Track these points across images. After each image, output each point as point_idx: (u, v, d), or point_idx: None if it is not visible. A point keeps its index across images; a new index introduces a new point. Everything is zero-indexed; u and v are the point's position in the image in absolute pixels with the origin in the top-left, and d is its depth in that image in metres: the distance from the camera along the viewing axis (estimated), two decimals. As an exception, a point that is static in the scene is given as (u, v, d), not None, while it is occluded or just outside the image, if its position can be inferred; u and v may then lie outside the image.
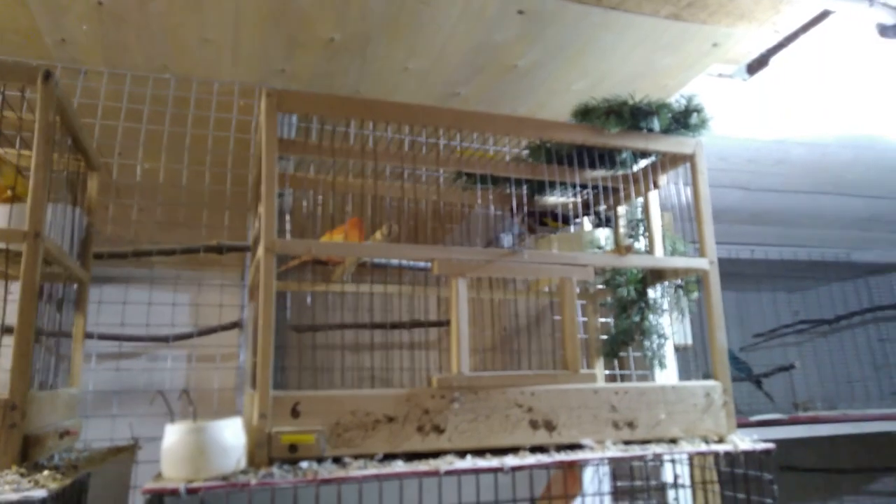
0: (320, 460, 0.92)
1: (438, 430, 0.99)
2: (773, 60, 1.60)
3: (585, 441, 1.05)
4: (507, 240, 2.01)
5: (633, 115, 1.16)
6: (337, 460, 0.93)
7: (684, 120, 1.23)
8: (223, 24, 1.36)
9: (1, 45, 1.41)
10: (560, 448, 1.04)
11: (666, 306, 1.47)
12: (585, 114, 1.22)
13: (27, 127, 1.09)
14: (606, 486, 1.50)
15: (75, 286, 1.25)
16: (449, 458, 0.96)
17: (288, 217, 1.24)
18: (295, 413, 0.93)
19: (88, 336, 1.28)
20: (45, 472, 0.84)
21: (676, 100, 1.24)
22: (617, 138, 1.19)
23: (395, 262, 1.55)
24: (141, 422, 1.35)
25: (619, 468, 1.58)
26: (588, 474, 1.53)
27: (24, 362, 0.87)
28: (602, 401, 1.08)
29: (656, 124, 1.18)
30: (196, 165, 1.49)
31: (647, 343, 1.44)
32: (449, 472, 0.92)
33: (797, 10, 1.39)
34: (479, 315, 2.03)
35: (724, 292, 3.65)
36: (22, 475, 0.81)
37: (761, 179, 2.45)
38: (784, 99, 1.84)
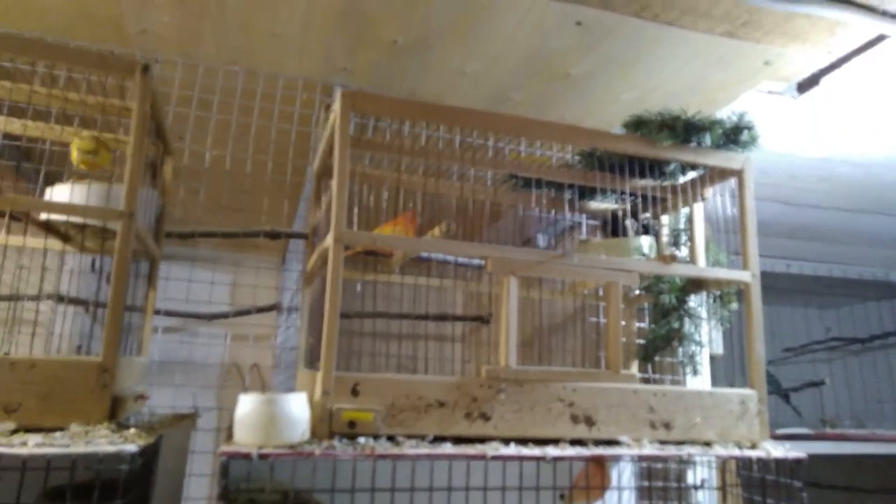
0: (376, 437, 0.99)
1: (485, 417, 1.05)
2: (825, 81, 1.63)
3: (623, 438, 1.11)
4: (542, 240, 2.06)
5: (685, 130, 1.21)
6: (391, 438, 1.00)
7: (735, 136, 1.27)
8: (294, 20, 1.43)
9: (86, 33, 1.50)
10: (598, 443, 1.10)
11: (704, 315, 1.52)
12: (638, 125, 1.27)
13: (114, 111, 1.18)
14: (633, 483, 1.55)
15: (148, 262, 1.34)
16: (495, 444, 1.02)
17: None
18: (355, 392, 1.00)
19: (157, 311, 1.37)
20: (132, 430, 0.92)
21: (728, 116, 1.28)
22: (668, 151, 1.24)
23: (444, 257, 1.61)
24: (199, 393, 1.45)
25: (647, 468, 1.63)
26: (617, 470, 1.58)
27: (115, 330, 0.95)
28: (641, 401, 1.14)
29: (708, 140, 1.23)
30: (259, 154, 1.57)
31: (682, 349, 1.49)
32: (495, 458, 0.98)
33: (852, 33, 1.41)
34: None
35: (740, 304, 3.64)
36: (112, 431, 0.90)
37: (803, 195, 2.46)
38: (832, 117, 1.86)
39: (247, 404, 0.93)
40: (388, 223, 1.42)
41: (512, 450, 1.01)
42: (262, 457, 0.89)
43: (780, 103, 1.77)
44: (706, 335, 1.54)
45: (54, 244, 1.28)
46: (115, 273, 0.96)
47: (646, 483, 1.63)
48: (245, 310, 2.14)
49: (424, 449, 0.97)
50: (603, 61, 1.55)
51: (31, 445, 0.82)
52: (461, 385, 1.05)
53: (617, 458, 1.43)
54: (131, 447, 0.84)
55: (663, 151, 1.24)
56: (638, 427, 1.12)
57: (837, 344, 3.71)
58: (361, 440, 0.97)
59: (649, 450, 1.09)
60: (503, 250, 1.11)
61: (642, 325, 1.64)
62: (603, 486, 1.45)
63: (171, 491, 1.25)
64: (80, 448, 0.82)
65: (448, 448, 0.99)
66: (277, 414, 0.92)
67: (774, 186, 2.38)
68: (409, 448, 0.97)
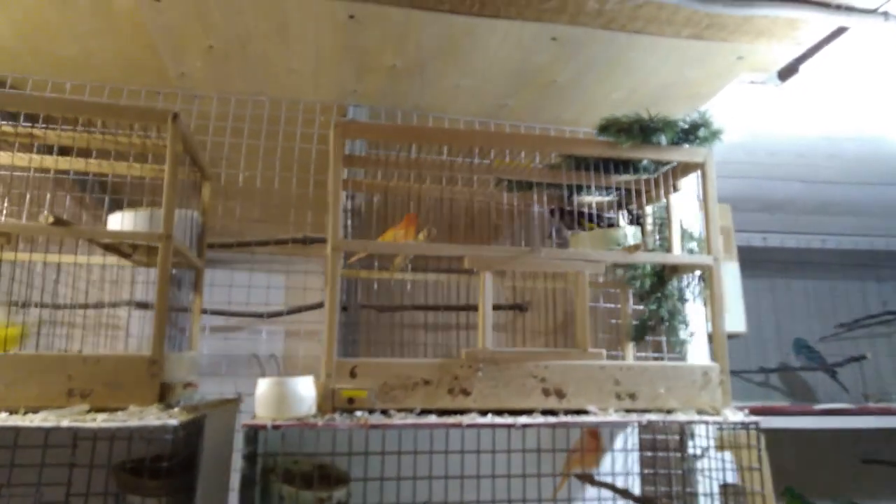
0: (371, 411, 1.20)
1: (465, 392, 1.24)
2: (803, 68, 1.71)
3: (590, 407, 1.27)
4: (556, 233, 2.22)
5: (642, 132, 1.35)
6: (384, 412, 1.20)
7: (694, 133, 1.40)
8: (305, 56, 1.65)
9: (137, 80, 1.77)
10: (568, 412, 1.26)
11: (687, 297, 1.64)
12: (605, 129, 1.42)
13: (156, 149, 1.43)
14: (631, 445, 1.69)
15: (194, 272, 1.59)
16: (472, 415, 1.21)
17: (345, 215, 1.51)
18: (353, 374, 1.21)
19: (203, 311, 1.63)
20: (176, 409, 1.16)
21: (686, 115, 1.41)
22: (630, 151, 1.38)
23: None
24: (241, 381, 1.70)
25: (646, 439, 1.77)
26: (623, 437, 1.72)
27: (161, 329, 1.19)
28: (607, 375, 1.30)
29: (663, 139, 1.36)
30: (284, 172, 1.80)
31: (670, 329, 1.62)
32: (470, 426, 1.17)
33: (813, 27, 1.50)
34: (545, 302, 2.24)
35: (795, 281, 3.67)
36: (160, 410, 1.14)
37: (817, 172, 2.50)
38: (830, 98, 1.93)
39: (262, 386, 1.15)
40: (393, 228, 1.62)
41: (486, 419, 1.19)
42: (275, 427, 1.11)
43: (767, 92, 1.86)
44: (694, 315, 1.67)
45: (116, 261, 1.55)
46: (158, 283, 1.20)
47: (649, 453, 1.77)
48: (296, 308, 2.40)
49: (411, 419, 1.17)
50: (584, 68, 1.69)
51: (99, 420, 1.06)
52: (444, 365, 1.24)
53: (595, 426, 1.58)
54: (173, 421, 1.08)
55: (626, 152, 1.38)
56: (604, 398, 1.28)
57: (891, 318, 3.67)
58: (358, 413, 1.18)
59: (614, 417, 1.24)
60: (478, 249, 1.28)
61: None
62: (597, 452, 1.61)
63: (220, 462, 1.50)
64: (134, 422, 1.06)
65: (432, 419, 1.19)
66: (287, 393, 1.13)
67: (785, 166, 2.44)
68: (398, 419, 1.17)
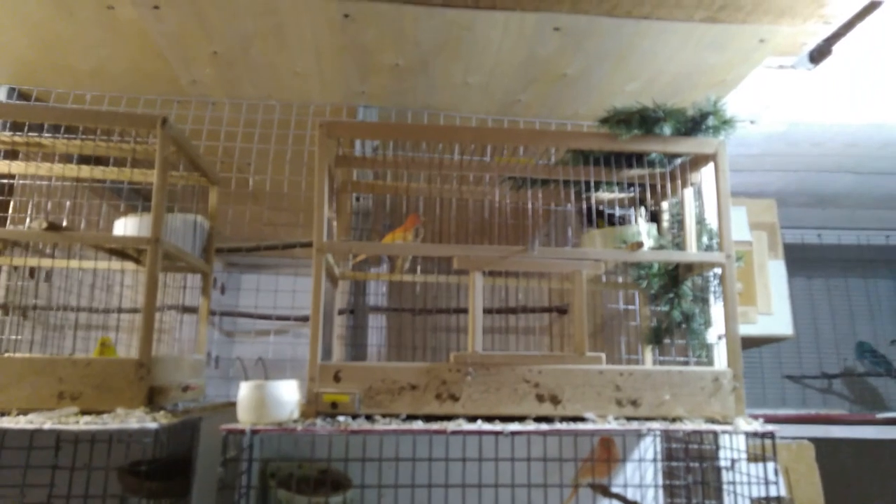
0: (355, 416, 1.17)
1: (454, 398, 1.19)
2: (836, 49, 1.58)
3: (588, 415, 1.20)
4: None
5: (642, 123, 1.27)
6: (369, 417, 1.17)
7: (702, 123, 1.30)
8: (307, 59, 1.64)
9: (151, 89, 1.81)
10: (564, 419, 1.20)
11: (707, 297, 1.54)
12: (606, 121, 1.34)
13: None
14: (651, 455, 1.60)
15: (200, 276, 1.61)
16: (459, 421, 1.16)
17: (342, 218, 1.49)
18: (337, 378, 1.18)
19: (212, 313, 1.64)
20: (161, 412, 1.16)
21: (693, 103, 1.31)
22: (631, 143, 1.30)
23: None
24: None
25: (669, 448, 1.66)
26: (640, 448, 1.63)
27: (148, 332, 1.20)
28: (606, 380, 1.22)
29: (666, 130, 1.27)
30: (293, 176, 1.80)
31: (690, 332, 1.52)
32: (455, 432, 1.12)
33: (840, 3, 1.38)
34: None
35: (854, 280, 3.44)
36: (146, 413, 1.14)
37: (870, 163, 2.32)
38: (873, 81, 1.78)
39: (243, 390, 1.13)
40: (396, 229, 1.59)
41: (474, 425, 1.14)
42: (254, 432, 1.09)
43: (801, 77, 1.73)
44: (715, 316, 1.56)
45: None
46: (146, 286, 1.21)
47: (672, 463, 1.67)
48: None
49: (394, 425, 1.13)
50: (593, 59, 1.62)
51: (82, 423, 1.07)
52: (431, 370, 1.20)
53: (591, 434, 1.50)
54: (153, 425, 1.08)
55: (629, 144, 1.30)
56: (603, 404, 1.21)
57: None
58: (341, 418, 1.15)
59: (613, 425, 1.17)
60: (468, 249, 1.24)
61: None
62: (609, 462, 1.53)
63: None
64: (114, 425, 1.07)
65: (417, 424, 1.14)
66: (266, 397, 1.12)
67: (833, 157, 2.27)
68: (381, 425, 1.14)
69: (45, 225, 1.20)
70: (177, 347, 2.06)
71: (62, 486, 1.16)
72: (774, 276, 2.50)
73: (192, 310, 1.95)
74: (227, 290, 3.28)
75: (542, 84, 1.74)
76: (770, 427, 1.17)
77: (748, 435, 1.18)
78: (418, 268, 1.77)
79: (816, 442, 2.32)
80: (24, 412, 1.12)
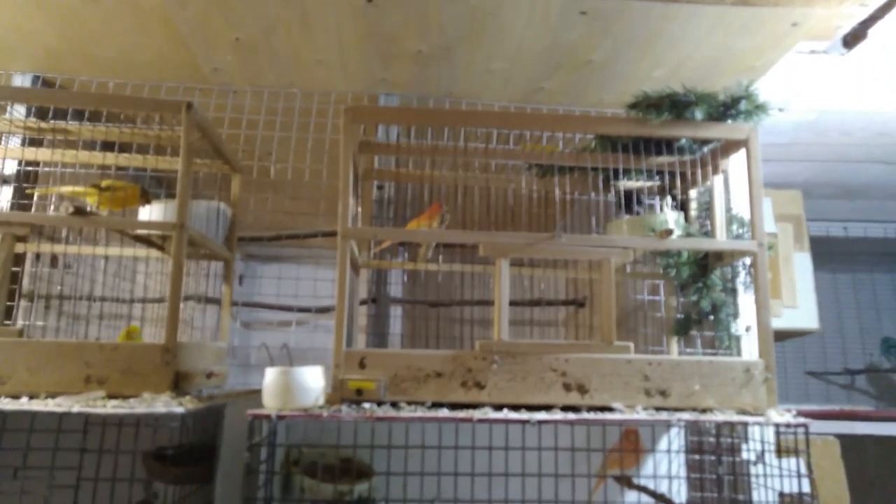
0: (380, 403, 1.16)
1: (479, 386, 1.18)
2: (872, 33, 1.54)
3: (616, 404, 1.18)
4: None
5: (673, 107, 1.24)
6: (394, 405, 1.16)
7: (734, 107, 1.27)
8: (330, 46, 1.63)
9: (174, 76, 1.81)
10: (591, 409, 1.18)
11: (737, 287, 1.51)
12: (635, 106, 1.31)
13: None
14: (677, 447, 1.57)
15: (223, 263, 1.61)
16: (485, 409, 1.15)
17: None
18: (362, 365, 1.18)
19: (234, 304, 1.64)
20: (187, 398, 1.16)
21: (724, 88, 1.29)
22: (662, 128, 1.28)
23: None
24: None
25: (695, 441, 1.64)
26: (667, 438, 1.61)
27: (174, 317, 1.20)
28: (635, 370, 1.20)
29: (698, 114, 1.25)
30: (315, 164, 1.80)
31: (717, 323, 1.50)
32: (481, 421, 1.11)
33: (877, -18, 1.34)
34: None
35: (881, 274, 3.38)
36: (172, 398, 1.14)
37: (899, 152, 2.27)
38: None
39: (269, 376, 1.13)
40: (420, 216, 1.58)
41: (500, 414, 1.12)
42: (280, 417, 1.09)
43: (833, 62, 1.69)
44: (743, 307, 1.53)
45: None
46: (172, 272, 1.21)
47: (696, 456, 1.64)
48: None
49: (419, 413, 1.12)
50: (620, 44, 1.59)
51: (110, 406, 1.08)
52: (457, 357, 1.18)
53: (620, 424, 1.47)
54: (179, 409, 1.08)
55: (656, 129, 1.28)
56: (632, 394, 1.19)
57: None
58: (366, 405, 1.14)
59: (642, 415, 1.15)
60: (493, 235, 1.22)
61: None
62: (636, 453, 1.51)
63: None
64: (141, 409, 1.07)
65: (443, 412, 1.13)
66: (291, 383, 1.11)
67: (863, 146, 2.22)
68: (407, 412, 1.13)
69: (71, 210, 1.20)
70: (197, 336, 2.07)
71: (90, 469, 1.17)
72: (800, 268, 2.46)
73: (213, 300, 1.96)
74: (245, 280, 3.30)
75: (567, 70, 1.72)
76: (802, 419, 1.15)
77: (779, 427, 1.15)
78: (440, 257, 1.76)
79: (841, 438, 2.27)
80: (52, 395, 1.13)
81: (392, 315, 2.09)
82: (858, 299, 3.27)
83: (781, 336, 2.60)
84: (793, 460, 1.54)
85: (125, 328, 1.46)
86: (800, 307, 2.41)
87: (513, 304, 2.44)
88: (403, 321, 2.39)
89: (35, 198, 1.72)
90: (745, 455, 1.63)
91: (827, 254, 3.08)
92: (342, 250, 1.20)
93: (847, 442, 2.32)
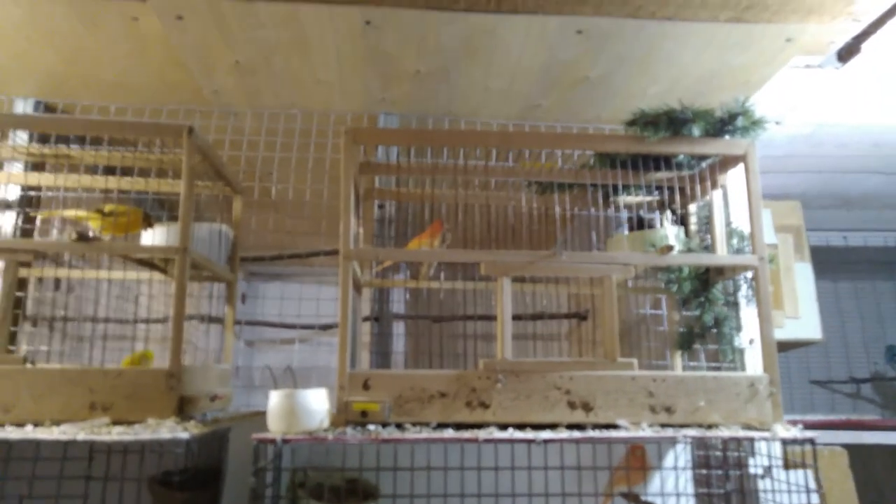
0: (385, 425, 1.16)
1: (484, 405, 1.18)
2: (865, 47, 1.55)
3: (621, 422, 1.18)
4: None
5: (670, 124, 1.25)
6: (399, 426, 1.16)
7: (731, 124, 1.28)
8: (329, 67, 1.64)
9: (175, 99, 1.82)
10: (596, 426, 1.18)
11: (740, 300, 1.52)
12: (633, 123, 1.33)
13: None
14: (688, 467, 1.57)
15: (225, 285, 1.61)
16: (490, 429, 1.14)
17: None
18: (366, 386, 1.17)
19: (237, 323, 1.64)
20: (192, 422, 1.16)
21: (721, 104, 1.30)
22: (659, 145, 1.29)
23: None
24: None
25: (701, 455, 1.63)
26: (673, 454, 1.60)
27: (178, 342, 1.20)
28: (639, 387, 1.20)
29: (695, 131, 1.26)
30: (315, 184, 1.80)
31: (721, 337, 1.50)
32: (487, 441, 1.10)
33: (870, 0, 1.36)
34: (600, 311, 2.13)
35: (882, 283, 3.38)
36: (176, 423, 1.14)
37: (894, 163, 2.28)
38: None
39: (273, 399, 1.13)
40: (422, 235, 1.58)
41: (505, 434, 1.12)
42: (285, 441, 1.09)
43: (827, 76, 1.70)
44: (751, 322, 1.53)
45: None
46: (175, 295, 1.21)
47: (703, 471, 1.63)
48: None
49: (424, 434, 1.12)
50: (615, 62, 1.60)
51: (115, 433, 1.07)
52: (461, 377, 1.18)
53: (626, 441, 1.47)
54: (185, 435, 1.08)
55: (653, 146, 1.28)
56: (637, 411, 1.19)
57: None
58: (371, 427, 1.14)
59: (647, 432, 1.15)
60: (494, 254, 1.22)
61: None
62: (643, 470, 1.50)
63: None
64: (146, 435, 1.07)
65: (447, 433, 1.13)
66: (296, 406, 1.11)
67: (859, 158, 2.24)
68: (412, 433, 1.12)
69: (74, 236, 1.21)
70: (200, 357, 2.07)
71: (95, 496, 1.16)
72: (801, 278, 2.46)
73: (216, 319, 1.96)
74: (248, 300, 3.30)
75: (564, 88, 1.73)
76: (809, 433, 1.14)
77: (786, 442, 1.15)
78: (442, 275, 1.76)
79: (848, 448, 2.26)
80: (57, 423, 1.13)
81: (395, 333, 2.09)
82: (861, 308, 3.27)
83: (785, 346, 2.60)
84: (801, 473, 1.53)
85: (139, 352, 1.46)
86: (802, 317, 2.40)
87: (515, 318, 2.45)
88: (406, 338, 2.39)
89: (38, 221, 1.72)
90: (752, 470, 1.63)
91: (827, 263, 3.09)
92: (344, 271, 1.21)
93: (854, 452, 2.31)
